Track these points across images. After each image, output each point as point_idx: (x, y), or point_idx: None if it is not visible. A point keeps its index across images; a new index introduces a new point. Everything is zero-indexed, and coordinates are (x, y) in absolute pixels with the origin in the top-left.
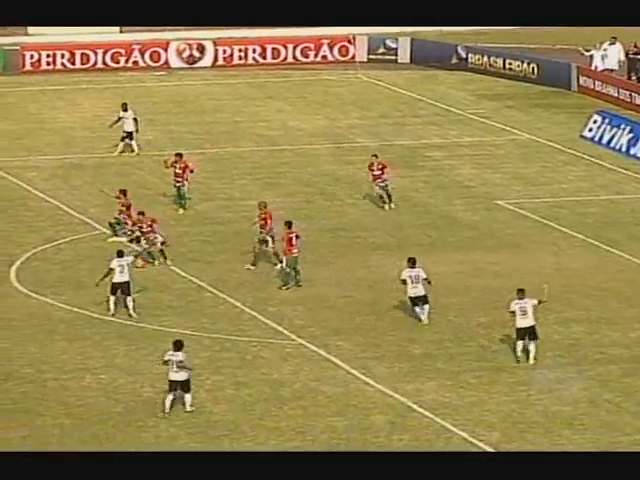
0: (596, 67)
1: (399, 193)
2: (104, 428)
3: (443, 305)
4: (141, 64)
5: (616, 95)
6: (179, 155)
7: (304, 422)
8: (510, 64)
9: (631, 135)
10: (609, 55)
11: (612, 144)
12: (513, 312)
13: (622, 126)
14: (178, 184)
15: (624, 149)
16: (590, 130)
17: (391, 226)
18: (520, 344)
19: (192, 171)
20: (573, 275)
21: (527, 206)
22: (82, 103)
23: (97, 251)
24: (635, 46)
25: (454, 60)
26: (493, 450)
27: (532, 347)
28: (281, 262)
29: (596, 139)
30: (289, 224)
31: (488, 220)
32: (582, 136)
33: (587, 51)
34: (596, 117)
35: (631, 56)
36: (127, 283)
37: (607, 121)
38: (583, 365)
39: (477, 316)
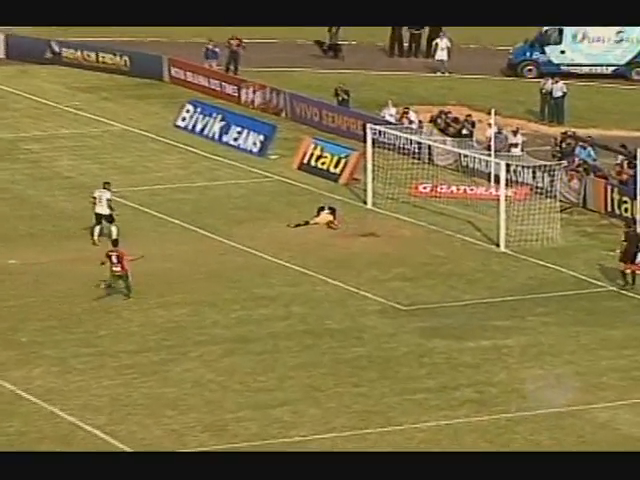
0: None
1: None
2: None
3: (48, 293)
4: None
5: (207, 85)
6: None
7: None
8: (103, 57)
9: (223, 123)
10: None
11: (205, 132)
12: None
13: (214, 115)
14: None
15: (217, 137)
16: (183, 119)
17: None
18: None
19: None
20: (174, 260)
21: (126, 194)
22: None
23: None
24: (236, 38)
25: (48, 54)
26: (101, 433)
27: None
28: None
29: (189, 127)
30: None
31: (83, 208)
32: (176, 125)
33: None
34: (189, 106)
35: (234, 48)
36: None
37: (199, 110)
38: (187, 346)
39: (82, 302)
